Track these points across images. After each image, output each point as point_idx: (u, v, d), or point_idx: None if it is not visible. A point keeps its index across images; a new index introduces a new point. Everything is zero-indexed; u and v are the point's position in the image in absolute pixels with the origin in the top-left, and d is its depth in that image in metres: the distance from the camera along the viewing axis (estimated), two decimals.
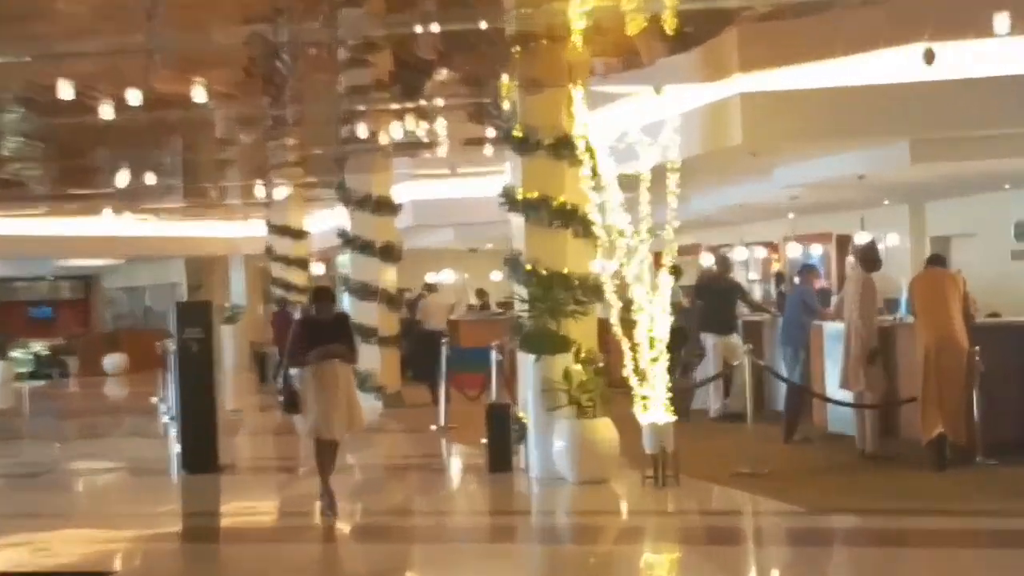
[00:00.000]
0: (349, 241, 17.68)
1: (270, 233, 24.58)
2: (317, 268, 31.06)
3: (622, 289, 10.43)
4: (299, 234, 24.34)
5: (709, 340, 13.72)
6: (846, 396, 10.97)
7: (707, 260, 20.98)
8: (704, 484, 9.81)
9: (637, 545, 8.20)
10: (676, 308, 12.28)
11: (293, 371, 8.93)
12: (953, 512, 8.46)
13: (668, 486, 9.65)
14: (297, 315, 23.08)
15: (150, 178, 17.97)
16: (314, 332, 8.82)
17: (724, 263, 15.02)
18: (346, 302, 17.72)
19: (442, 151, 17.89)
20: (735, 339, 13.64)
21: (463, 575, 7.44)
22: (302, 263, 24.33)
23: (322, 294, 9.17)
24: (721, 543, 8.15)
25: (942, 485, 9.33)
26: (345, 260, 22.12)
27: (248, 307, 31.57)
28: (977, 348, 9.93)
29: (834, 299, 12.50)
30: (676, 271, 10.44)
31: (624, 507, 9.70)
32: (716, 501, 9.46)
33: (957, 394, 9.88)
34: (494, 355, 12.99)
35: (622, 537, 8.62)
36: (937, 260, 10.82)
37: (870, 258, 10.95)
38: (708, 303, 13.93)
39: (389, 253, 17.55)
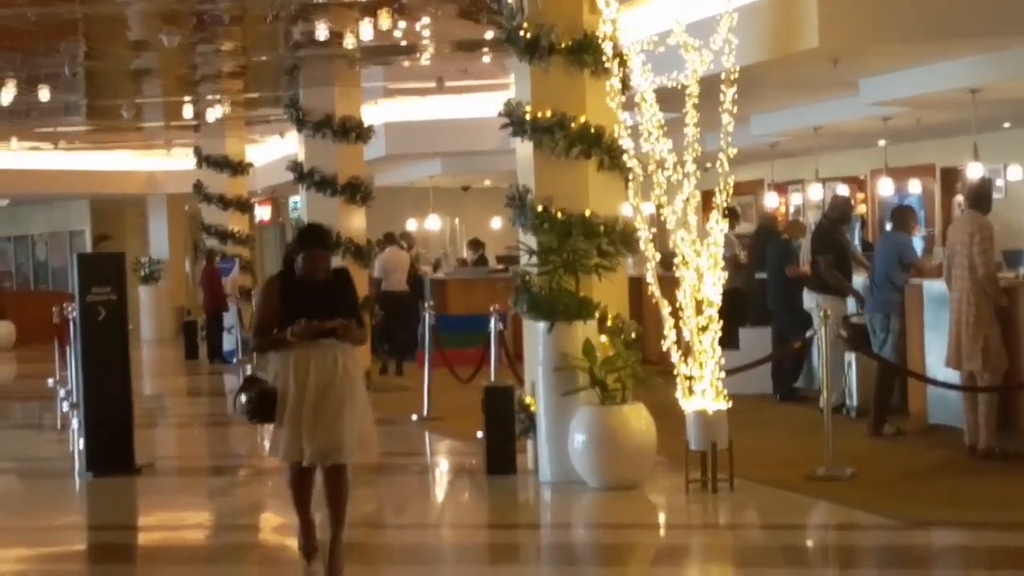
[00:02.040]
0: (303, 176, 17.68)
1: (200, 166, 24.57)
2: (262, 211, 31.20)
3: (661, 238, 10.45)
4: (238, 167, 24.37)
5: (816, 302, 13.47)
6: (952, 377, 10.99)
7: (771, 201, 21.04)
8: (767, 490, 9.86)
9: (679, 569, 8.25)
10: (732, 264, 12.28)
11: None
12: None
13: (720, 492, 9.70)
14: (235, 271, 23.48)
15: (44, 94, 17.92)
16: (297, 298, 7.50)
17: (841, 207, 14.26)
18: None
19: (426, 58, 17.82)
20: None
21: None
22: (243, 205, 24.37)
23: (312, 237, 7.69)
24: (789, 566, 8.18)
25: None
26: (298, 201, 22.15)
27: (172, 262, 31.64)
28: None
29: (938, 251, 12.51)
30: (732, 215, 10.45)
31: (662, 519, 9.76)
32: (782, 511, 9.49)
33: None
34: (493, 323, 13.03)
35: (659, 559, 8.66)
36: None
37: (985, 196, 10.94)
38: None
39: (356, 192, 17.55)
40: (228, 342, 22.57)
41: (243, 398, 7.58)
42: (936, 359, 11.64)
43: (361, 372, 7.73)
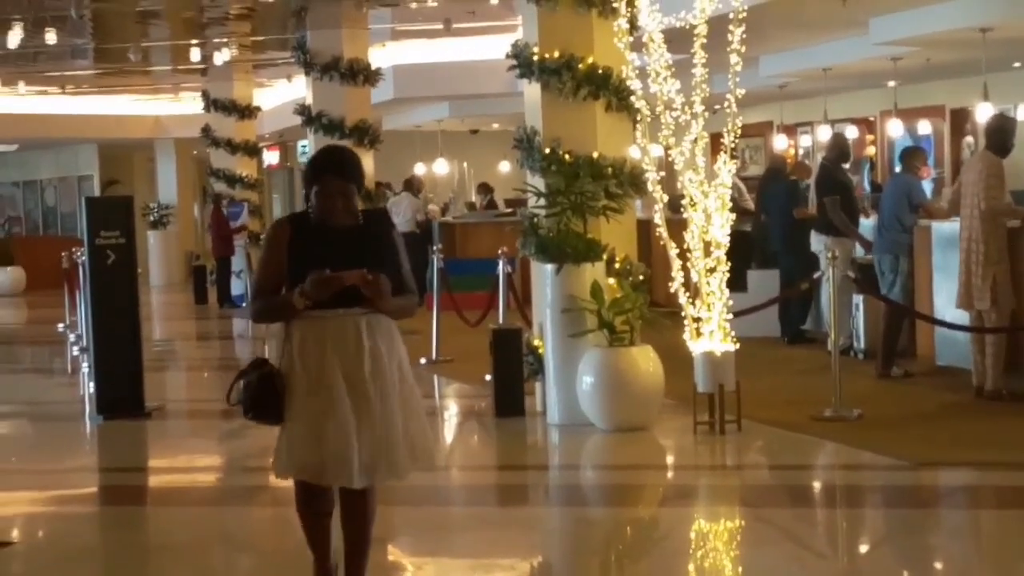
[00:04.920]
0: (311, 119, 17.64)
1: (208, 110, 24.54)
2: (270, 156, 31.20)
3: (670, 180, 10.42)
4: (246, 111, 24.32)
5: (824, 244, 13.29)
6: (960, 318, 10.98)
7: (780, 143, 20.96)
8: (774, 431, 9.88)
9: (686, 509, 8.27)
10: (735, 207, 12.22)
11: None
12: None
13: (727, 434, 9.72)
14: (244, 216, 23.51)
15: (51, 37, 17.88)
16: (312, 249, 5.50)
17: (840, 146, 14.01)
18: None
19: (433, 0, 17.76)
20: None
21: (462, 546, 7.53)
22: (251, 149, 24.34)
23: (329, 161, 5.65)
24: (796, 506, 8.22)
25: None
26: (306, 145, 22.13)
27: (180, 207, 31.67)
28: None
29: (947, 192, 12.46)
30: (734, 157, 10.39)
31: (670, 460, 9.79)
32: (789, 453, 9.52)
33: None
34: (502, 267, 13.02)
35: (667, 499, 8.71)
36: None
37: (1001, 136, 10.84)
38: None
39: (364, 135, 17.51)
40: (236, 286, 22.62)
41: (240, 384, 5.65)
42: (944, 300, 11.63)
43: (404, 352, 5.68)
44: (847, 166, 14.22)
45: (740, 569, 6.94)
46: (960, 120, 20.33)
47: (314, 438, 5.44)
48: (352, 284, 5.40)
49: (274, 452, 5.64)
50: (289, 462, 5.55)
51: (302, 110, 17.86)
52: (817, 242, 13.50)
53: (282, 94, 25.85)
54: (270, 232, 5.77)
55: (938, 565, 7.03)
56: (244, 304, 21.39)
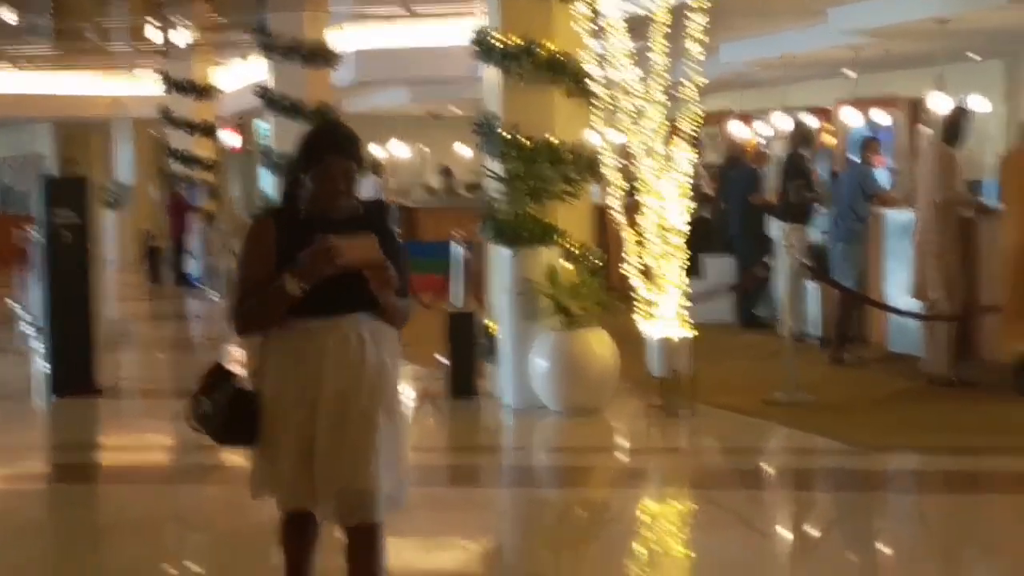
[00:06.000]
0: (271, 102, 17.61)
1: (167, 90, 24.44)
2: (229, 137, 31.05)
3: (627, 166, 10.46)
4: (205, 91, 24.23)
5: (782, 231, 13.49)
6: (911, 306, 11.09)
7: (738, 131, 21.05)
8: (727, 415, 9.96)
9: (638, 491, 8.32)
10: (697, 194, 12.32)
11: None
12: None
13: (680, 417, 9.78)
14: (201, 197, 23.39)
15: (6, 14, 17.79)
16: (305, 247, 4.63)
17: (804, 134, 14.42)
18: (267, 182, 17.71)
19: None
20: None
21: (414, 526, 7.54)
22: (209, 130, 24.25)
23: (329, 139, 4.82)
24: (747, 489, 8.29)
25: None
26: (266, 127, 22.07)
27: (137, 187, 31.54)
28: None
29: (902, 182, 12.56)
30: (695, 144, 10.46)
31: (623, 443, 9.85)
32: (742, 436, 9.59)
33: None
34: (455, 249, 13.03)
35: (619, 481, 8.74)
36: None
37: (954, 128, 10.96)
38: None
39: (323, 118, 17.48)
40: (191, 266, 22.54)
41: (208, 406, 4.92)
42: (896, 288, 11.74)
43: (399, 368, 5.00)
44: (808, 155, 14.33)
45: (690, 551, 7.00)
46: (918, 110, 20.44)
47: (304, 468, 4.75)
48: (354, 267, 4.61)
49: (252, 475, 5.00)
50: (283, 491, 4.89)
51: (262, 92, 17.83)
52: (776, 229, 13.60)
53: (242, 74, 25.76)
54: (251, 230, 4.92)
55: (886, 548, 7.11)
56: (199, 285, 21.34)
